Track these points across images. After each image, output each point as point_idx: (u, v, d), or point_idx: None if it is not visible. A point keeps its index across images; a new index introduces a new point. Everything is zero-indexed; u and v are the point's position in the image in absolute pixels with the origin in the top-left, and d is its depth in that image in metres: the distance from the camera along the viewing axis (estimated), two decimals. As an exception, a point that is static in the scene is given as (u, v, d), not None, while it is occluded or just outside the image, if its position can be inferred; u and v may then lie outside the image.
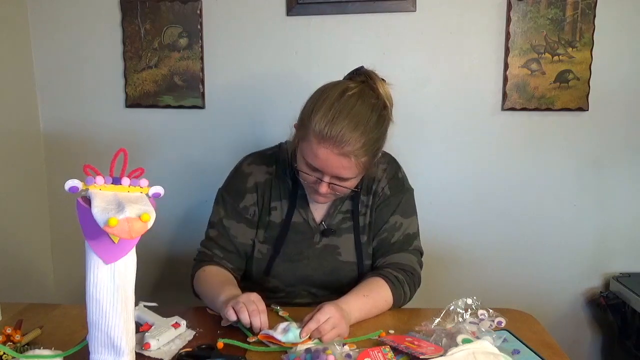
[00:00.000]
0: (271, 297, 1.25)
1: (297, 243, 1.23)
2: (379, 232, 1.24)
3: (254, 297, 1.02)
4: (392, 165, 1.29)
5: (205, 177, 1.80)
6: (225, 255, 1.24)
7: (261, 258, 1.23)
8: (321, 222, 1.25)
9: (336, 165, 1.07)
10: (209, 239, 1.26)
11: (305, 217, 1.24)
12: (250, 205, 1.25)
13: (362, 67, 1.17)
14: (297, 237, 1.23)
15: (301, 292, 1.26)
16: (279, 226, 1.24)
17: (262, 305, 1.01)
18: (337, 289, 1.20)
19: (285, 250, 1.22)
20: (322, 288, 1.25)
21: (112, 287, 0.74)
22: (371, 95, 1.11)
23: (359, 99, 1.08)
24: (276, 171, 1.26)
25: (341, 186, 1.12)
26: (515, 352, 0.94)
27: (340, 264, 1.23)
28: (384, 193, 1.25)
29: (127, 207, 0.69)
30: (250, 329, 1.00)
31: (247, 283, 1.29)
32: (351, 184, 1.13)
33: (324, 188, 1.11)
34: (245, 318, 0.98)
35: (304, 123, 1.10)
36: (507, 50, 1.66)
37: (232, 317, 0.99)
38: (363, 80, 1.13)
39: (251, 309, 0.98)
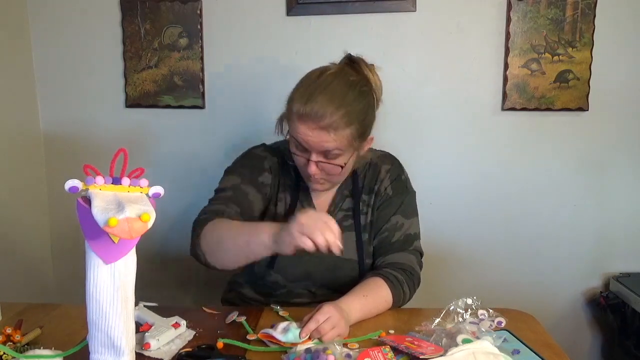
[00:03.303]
0: (271, 294, 1.26)
1: None
2: (379, 232, 1.24)
3: (315, 214, 0.95)
4: (396, 167, 1.29)
5: (205, 177, 1.80)
6: (243, 212, 1.16)
7: None
8: None
9: (317, 140, 1.09)
10: (220, 199, 1.18)
11: None
12: (267, 184, 1.25)
13: (349, 53, 1.20)
14: None
15: (301, 290, 1.25)
16: (283, 219, 1.24)
17: (326, 217, 0.94)
18: (337, 289, 1.20)
19: None
20: (322, 286, 1.24)
21: (112, 287, 0.74)
22: (350, 74, 1.14)
23: (337, 77, 1.12)
24: (281, 163, 1.28)
25: (330, 163, 1.12)
26: (515, 352, 0.94)
27: (341, 262, 1.22)
28: (386, 193, 1.25)
29: (127, 207, 0.69)
30: (250, 323, 1.00)
31: (248, 277, 1.30)
32: (340, 161, 1.13)
33: (312, 168, 1.12)
34: (322, 241, 0.90)
35: (287, 107, 1.14)
36: (507, 50, 1.66)
37: (310, 245, 0.90)
38: (346, 63, 1.18)
39: (322, 227, 0.91)
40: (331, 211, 1.25)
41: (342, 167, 1.14)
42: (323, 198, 1.27)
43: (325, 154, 1.11)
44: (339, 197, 1.26)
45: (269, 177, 1.25)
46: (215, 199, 1.21)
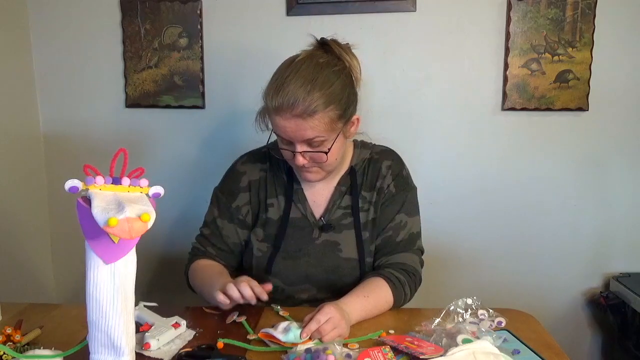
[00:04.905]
0: (271, 300, 1.24)
1: (296, 239, 1.23)
2: (383, 230, 1.23)
3: (243, 277, 1.08)
4: (397, 163, 1.28)
5: (205, 177, 1.80)
6: (218, 253, 1.27)
7: (261, 256, 1.23)
8: (320, 218, 1.24)
9: (296, 129, 1.08)
10: (203, 236, 1.29)
11: (304, 212, 1.24)
12: (243, 205, 1.26)
13: (321, 37, 1.19)
14: (296, 232, 1.23)
15: (301, 293, 1.24)
16: (278, 222, 1.24)
17: (252, 281, 1.06)
18: (339, 290, 1.20)
19: (285, 246, 1.22)
20: (323, 289, 1.23)
21: (112, 287, 0.74)
22: (320, 56, 1.13)
23: (305, 62, 1.11)
24: (270, 167, 1.27)
25: (316, 151, 1.11)
26: (516, 352, 0.94)
27: (341, 261, 1.21)
28: (389, 190, 1.24)
29: (127, 207, 0.69)
30: (251, 323, 1.00)
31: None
32: (326, 147, 1.12)
33: (299, 160, 1.12)
34: (234, 293, 1.02)
35: (263, 103, 1.13)
36: (507, 50, 1.66)
37: (223, 299, 1.03)
38: (317, 47, 1.18)
39: (240, 285, 1.03)
40: (329, 209, 1.24)
41: (326, 152, 1.12)
42: (318, 196, 1.26)
43: (309, 142, 1.11)
44: (337, 195, 1.25)
45: (245, 196, 1.26)
46: (200, 235, 1.31)
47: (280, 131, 1.11)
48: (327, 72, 1.10)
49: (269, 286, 1.08)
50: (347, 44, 1.19)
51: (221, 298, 1.03)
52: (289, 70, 1.10)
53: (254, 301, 1.03)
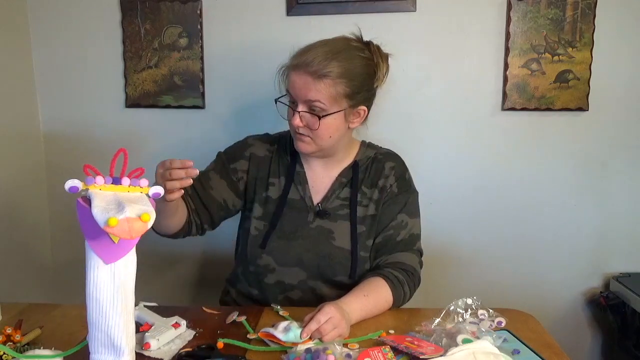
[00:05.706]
0: (262, 282, 1.25)
1: (292, 220, 1.25)
2: (385, 229, 1.24)
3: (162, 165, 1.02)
4: (400, 165, 1.31)
5: (205, 177, 1.80)
6: (200, 191, 1.26)
7: (257, 235, 1.25)
8: (318, 204, 1.26)
9: (303, 86, 1.13)
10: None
11: (303, 195, 1.26)
12: (240, 170, 1.30)
13: (369, 40, 1.24)
14: (293, 213, 1.25)
15: (292, 278, 1.24)
16: (276, 202, 1.26)
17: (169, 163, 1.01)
18: (329, 279, 1.22)
19: (281, 226, 1.24)
20: (313, 275, 1.23)
21: (112, 287, 0.74)
22: (354, 42, 1.20)
23: (337, 39, 1.19)
24: (277, 150, 1.31)
25: (311, 113, 1.14)
26: (515, 352, 0.94)
27: (333, 249, 1.22)
28: (392, 190, 1.26)
29: (127, 207, 0.69)
30: (251, 322, 1.00)
31: (241, 264, 1.31)
32: (322, 113, 1.14)
33: (296, 119, 1.16)
34: (164, 164, 1.00)
35: (288, 62, 1.19)
36: (507, 50, 1.66)
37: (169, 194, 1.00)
38: (358, 39, 1.22)
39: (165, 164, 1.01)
40: (328, 197, 1.26)
41: (319, 117, 1.14)
42: (319, 182, 1.28)
43: (309, 105, 1.14)
44: (337, 185, 1.27)
45: (244, 164, 1.30)
46: None
47: (290, 87, 1.17)
48: (353, 53, 1.16)
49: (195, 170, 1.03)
50: (388, 53, 1.24)
51: (167, 194, 0.99)
52: (321, 41, 1.18)
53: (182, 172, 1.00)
